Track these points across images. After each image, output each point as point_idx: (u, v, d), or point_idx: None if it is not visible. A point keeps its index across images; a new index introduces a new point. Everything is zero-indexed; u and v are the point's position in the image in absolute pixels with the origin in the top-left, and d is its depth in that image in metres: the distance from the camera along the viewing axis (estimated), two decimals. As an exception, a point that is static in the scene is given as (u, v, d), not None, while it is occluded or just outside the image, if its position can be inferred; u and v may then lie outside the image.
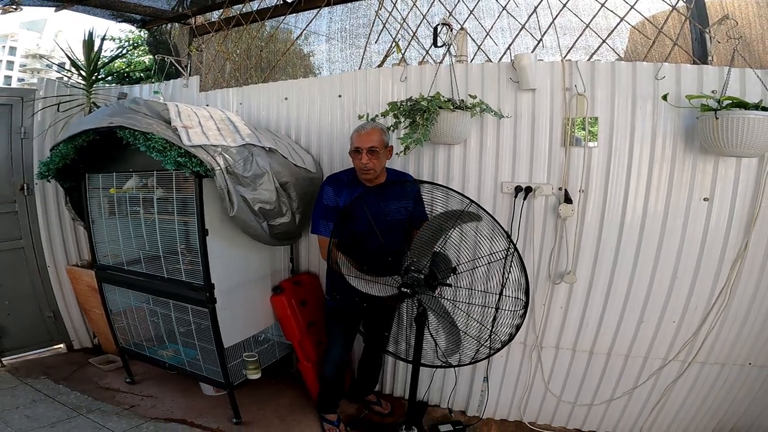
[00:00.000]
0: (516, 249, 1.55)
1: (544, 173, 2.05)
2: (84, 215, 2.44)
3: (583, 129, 1.96)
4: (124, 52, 3.00)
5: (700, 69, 1.83)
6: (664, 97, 1.75)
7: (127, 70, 5.31)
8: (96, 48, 2.83)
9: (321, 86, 2.47)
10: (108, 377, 2.64)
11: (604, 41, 1.99)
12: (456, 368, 2.15)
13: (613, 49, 2.05)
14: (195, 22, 2.97)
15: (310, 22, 2.55)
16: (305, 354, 2.29)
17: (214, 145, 1.85)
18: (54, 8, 2.79)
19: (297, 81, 2.58)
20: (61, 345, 3.07)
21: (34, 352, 2.96)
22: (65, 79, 2.95)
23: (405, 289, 1.58)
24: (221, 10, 2.81)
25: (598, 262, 2.02)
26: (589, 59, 1.99)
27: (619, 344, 2.04)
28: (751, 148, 1.62)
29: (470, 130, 2.01)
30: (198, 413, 2.26)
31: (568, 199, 1.99)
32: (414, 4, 2.21)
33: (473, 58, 2.21)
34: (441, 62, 2.11)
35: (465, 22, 2.17)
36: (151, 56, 3.67)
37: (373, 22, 2.36)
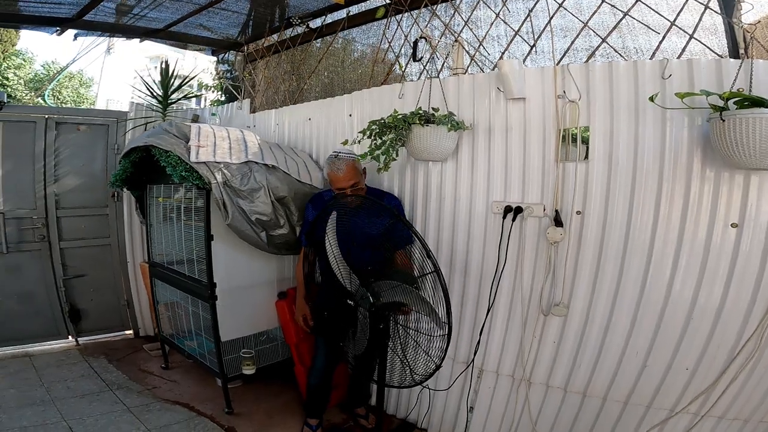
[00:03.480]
0: (438, 271, 1.49)
1: (538, 192, 1.94)
2: (146, 219, 2.96)
3: (576, 142, 1.82)
4: (191, 78, 3.53)
5: (717, 63, 1.58)
6: (652, 98, 1.55)
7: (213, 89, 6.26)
8: (170, 75, 3.38)
9: (336, 106, 2.67)
10: (151, 362, 3.12)
11: (603, 40, 1.84)
12: (432, 392, 2.12)
13: (614, 48, 1.86)
14: (247, 49, 3.43)
15: (330, 44, 2.78)
16: (301, 358, 2.46)
17: (217, 162, 2.15)
18: (138, 40, 3.46)
19: (318, 102, 2.83)
20: (130, 331, 3.67)
21: (107, 335, 3.58)
22: (148, 102, 3.54)
23: (350, 301, 1.64)
24: (263, 39, 3.22)
25: (595, 295, 1.83)
26: (586, 61, 1.85)
27: (618, 388, 1.81)
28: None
29: (451, 145, 2.00)
30: (202, 400, 2.57)
31: (558, 222, 1.86)
32: (415, 21, 2.30)
33: (467, 70, 2.19)
34: (434, 76, 2.15)
35: (460, 33, 2.17)
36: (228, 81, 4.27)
37: (381, 41, 2.48)
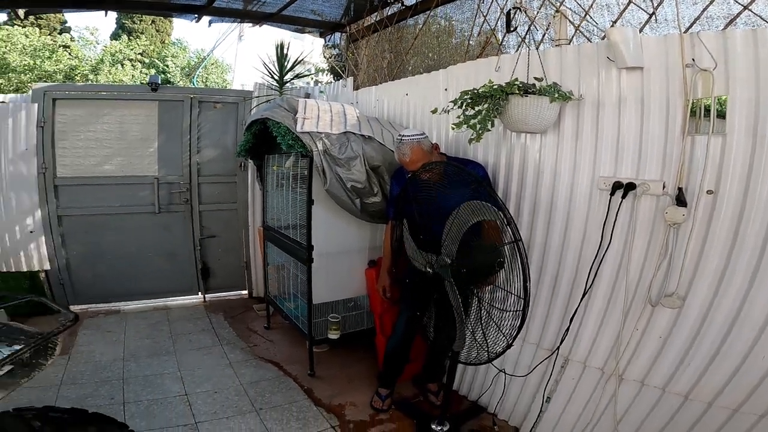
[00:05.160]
0: (518, 240, 1.39)
1: (657, 168, 1.71)
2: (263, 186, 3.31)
3: (710, 113, 1.54)
4: (301, 60, 3.78)
5: None
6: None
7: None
8: (286, 57, 3.67)
9: (431, 81, 2.66)
10: (256, 321, 3.50)
11: (746, 8, 1.50)
12: (508, 377, 2.03)
13: (761, 16, 1.51)
14: (350, 30, 3.56)
15: (425, 21, 2.73)
16: (383, 329, 2.55)
17: (319, 132, 2.32)
18: (250, 24, 3.82)
19: (415, 77, 2.85)
20: (245, 291, 4.14)
21: (227, 294, 4.10)
22: (269, 83, 3.89)
23: (428, 269, 1.64)
24: (363, 20, 3.30)
25: (722, 288, 1.57)
26: (724, 28, 1.54)
27: (729, 394, 1.57)
28: None
29: (552, 116, 1.86)
30: (291, 361, 2.83)
31: (681, 201, 1.61)
32: (512, -8, 2.13)
33: (571, 41, 1.99)
34: (529, 49, 1.99)
35: (562, 3, 1.96)
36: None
37: (476, 15, 2.36)
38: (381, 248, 2.78)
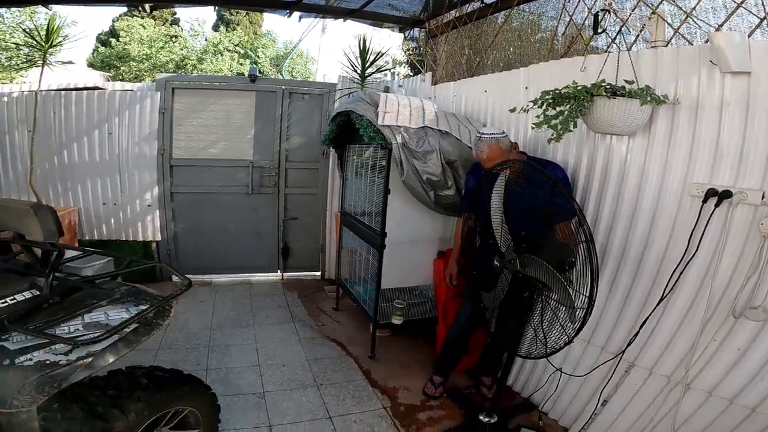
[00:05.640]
0: (590, 241, 1.40)
1: (758, 176, 1.63)
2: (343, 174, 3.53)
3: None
4: (382, 54, 3.89)
5: None
6: None
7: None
8: (366, 51, 3.81)
9: (512, 79, 2.67)
10: (326, 302, 3.75)
11: None
12: (564, 376, 2.02)
13: None
14: (429, 25, 3.61)
15: (506, 19, 2.70)
16: (445, 318, 2.65)
17: (398, 126, 2.45)
18: (337, 18, 4.02)
19: (494, 75, 2.87)
20: (318, 273, 4.44)
21: (302, 273, 4.43)
22: (351, 76, 4.07)
23: (497, 262, 1.70)
24: (442, 16, 3.33)
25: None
26: None
27: None
28: None
29: (643, 119, 1.81)
30: (354, 343, 3.01)
31: (780, 213, 1.50)
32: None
33: (669, 43, 1.89)
34: (626, 50, 1.90)
35: (659, 5, 1.86)
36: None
37: (561, 14, 2.30)
38: (450, 240, 2.87)
